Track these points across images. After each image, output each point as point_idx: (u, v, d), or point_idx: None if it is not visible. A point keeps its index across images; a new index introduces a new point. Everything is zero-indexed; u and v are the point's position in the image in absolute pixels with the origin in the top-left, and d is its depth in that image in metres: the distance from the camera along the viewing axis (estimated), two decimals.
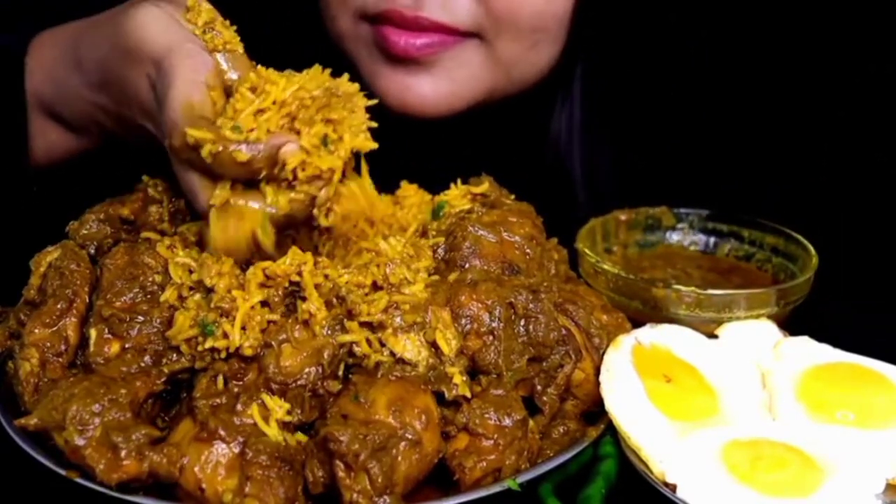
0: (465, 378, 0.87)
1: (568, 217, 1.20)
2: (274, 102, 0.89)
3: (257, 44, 0.97)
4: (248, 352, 0.85)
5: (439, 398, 0.86)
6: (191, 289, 0.91)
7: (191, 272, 0.91)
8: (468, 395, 0.86)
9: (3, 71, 1.07)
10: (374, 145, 0.92)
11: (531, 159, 1.36)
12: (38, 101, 1.07)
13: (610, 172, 1.37)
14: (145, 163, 1.09)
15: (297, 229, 0.93)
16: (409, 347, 0.87)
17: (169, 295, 0.90)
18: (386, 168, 1.00)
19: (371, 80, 1.20)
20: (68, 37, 1.06)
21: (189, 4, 0.96)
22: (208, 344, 0.86)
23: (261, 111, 0.88)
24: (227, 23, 0.96)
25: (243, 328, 0.86)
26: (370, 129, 0.93)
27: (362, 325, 0.87)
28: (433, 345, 0.88)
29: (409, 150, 1.25)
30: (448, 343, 0.88)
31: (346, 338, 0.87)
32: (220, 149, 0.84)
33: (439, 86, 1.19)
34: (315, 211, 0.90)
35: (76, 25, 1.06)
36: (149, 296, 0.91)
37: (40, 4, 1.19)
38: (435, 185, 1.13)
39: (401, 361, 0.86)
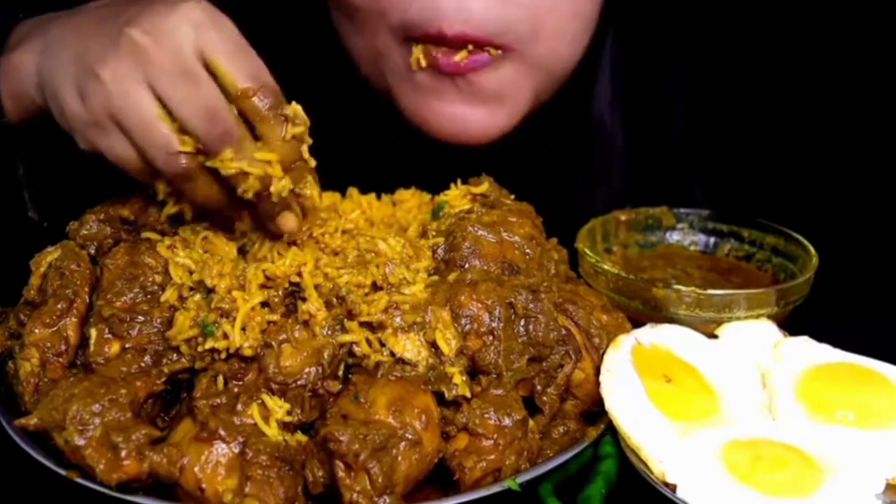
0: (464, 378, 0.87)
1: (569, 217, 1.20)
2: None
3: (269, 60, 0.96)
4: (248, 352, 0.86)
5: (439, 398, 0.86)
6: (191, 289, 0.91)
7: (191, 272, 0.92)
8: (468, 394, 0.86)
9: None
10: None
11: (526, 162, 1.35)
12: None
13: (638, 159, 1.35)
14: None
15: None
16: (409, 347, 0.87)
17: (169, 295, 0.91)
18: (386, 167, 1.01)
19: (413, 111, 1.17)
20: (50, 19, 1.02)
21: None
22: (208, 344, 0.86)
23: None
24: None
25: (243, 329, 0.87)
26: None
27: (362, 325, 0.88)
28: (433, 345, 0.88)
29: (414, 149, 1.25)
30: (448, 343, 0.88)
31: (346, 338, 0.87)
32: None
33: (496, 113, 1.15)
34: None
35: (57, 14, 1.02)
36: (149, 296, 0.92)
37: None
38: (436, 184, 1.13)
39: (401, 361, 0.86)
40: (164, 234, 0.99)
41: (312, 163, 0.93)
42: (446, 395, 0.86)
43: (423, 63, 1.12)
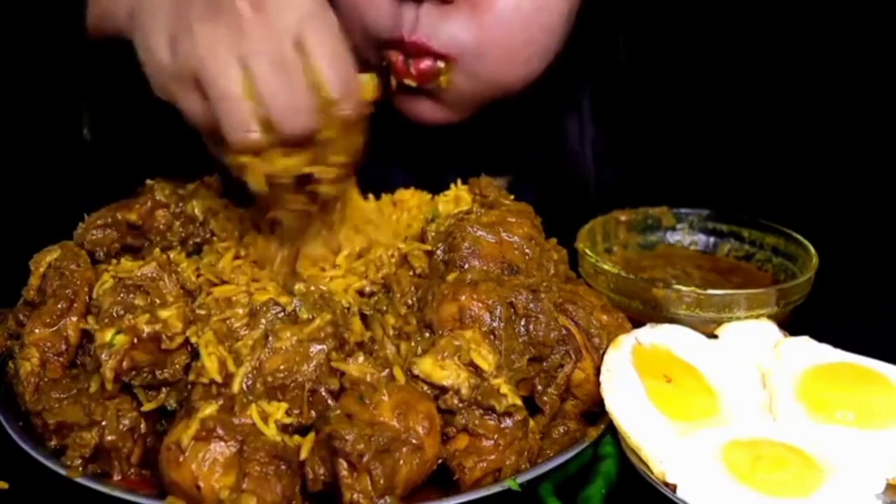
0: (511, 387, 0.86)
1: (569, 217, 1.20)
2: None
3: None
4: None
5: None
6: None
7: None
8: (519, 403, 0.86)
9: None
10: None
11: (542, 162, 1.38)
12: None
13: (619, 181, 1.38)
14: (148, 165, 1.09)
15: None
16: (447, 374, 0.86)
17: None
18: (386, 167, 1.01)
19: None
20: None
21: None
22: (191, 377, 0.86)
23: None
24: None
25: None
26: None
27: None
28: (471, 365, 0.87)
29: (417, 149, 1.26)
30: (486, 359, 0.87)
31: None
32: None
33: (435, 109, 1.24)
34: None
35: None
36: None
37: None
38: (436, 184, 1.13)
39: (441, 389, 0.86)
40: (168, 248, 1.00)
41: None
42: (497, 408, 0.85)
43: (394, 83, 1.21)
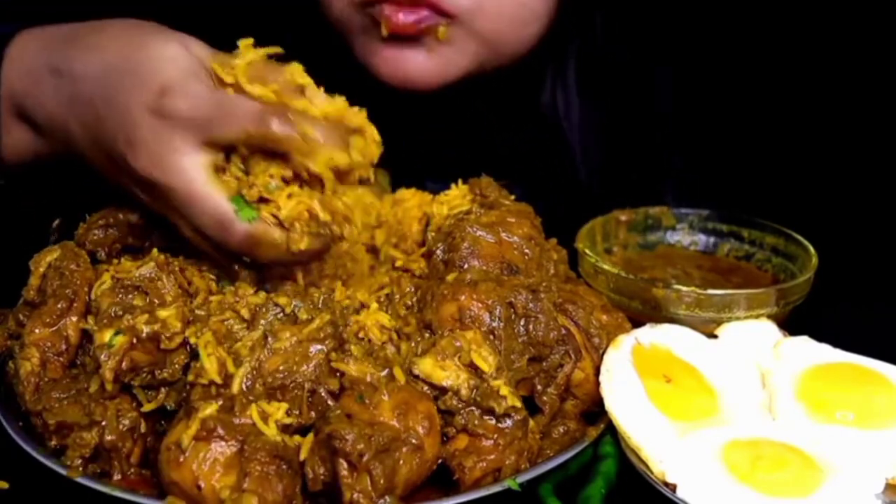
0: (511, 389, 0.86)
1: (568, 216, 1.20)
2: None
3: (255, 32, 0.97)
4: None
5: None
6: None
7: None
8: (518, 405, 0.86)
9: None
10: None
11: (530, 139, 1.38)
12: (9, 94, 1.03)
13: (605, 155, 1.38)
14: None
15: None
16: (447, 375, 0.86)
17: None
18: (386, 167, 1.01)
19: (366, 59, 1.25)
20: (58, 40, 1.02)
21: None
22: (190, 377, 0.86)
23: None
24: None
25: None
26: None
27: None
28: (471, 366, 0.87)
29: (410, 143, 1.25)
30: (486, 360, 0.87)
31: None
32: None
33: (430, 59, 1.22)
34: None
35: (66, 29, 1.03)
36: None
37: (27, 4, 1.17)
38: (435, 183, 1.13)
39: (441, 390, 0.86)
40: (171, 250, 1.00)
41: None
42: (497, 410, 0.85)
43: (385, 31, 1.20)
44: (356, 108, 0.94)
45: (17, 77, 1.02)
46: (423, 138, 1.21)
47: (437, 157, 1.26)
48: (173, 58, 0.91)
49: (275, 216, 0.90)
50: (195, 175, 0.89)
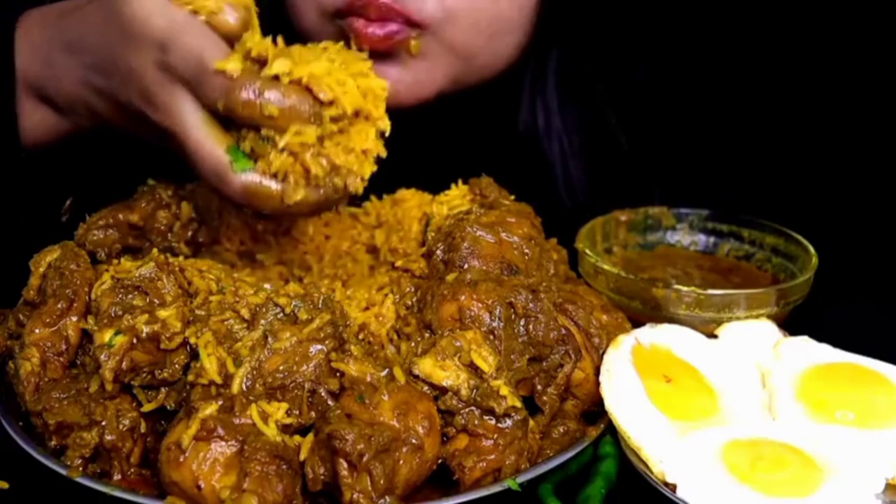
0: (511, 389, 0.86)
1: (567, 217, 1.20)
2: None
3: None
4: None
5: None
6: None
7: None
8: (518, 405, 0.86)
9: None
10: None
11: (510, 153, 1.37)
12: (24, 79, 1.06)
13: (586, 169, 1.37)
14: (148, 163, 1.09)
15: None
16: (447, 375, 0.86)
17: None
18: (387, 167, 1.01)
19: None
20: (56, 16, 1.05)
21: None
22: (190, 377, 0.86)
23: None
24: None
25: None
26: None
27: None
28: (471, 366, 0.87)
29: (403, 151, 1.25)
30: (486, 360, 0.87)
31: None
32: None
33: (404, 74, 1.20)
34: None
35: (62, 6, 1.05)
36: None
37: None
38: (436, 184, 1.13)
39: (440, 390, 0.86)
40: (171, 250, 1.00)
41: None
42: (497, 409, 0.85)
43: (355, 46, 1.17)
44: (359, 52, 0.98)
45: (29, 60, 1.05)
46: (398, 156, 1.19)
47: (413, 173, 1.24)
48: (157, 11, 0.93)
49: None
50: (195, 124, 0.92)
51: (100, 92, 1.00)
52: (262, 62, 0.91)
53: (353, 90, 0.93)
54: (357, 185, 0.95)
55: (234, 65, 0.89)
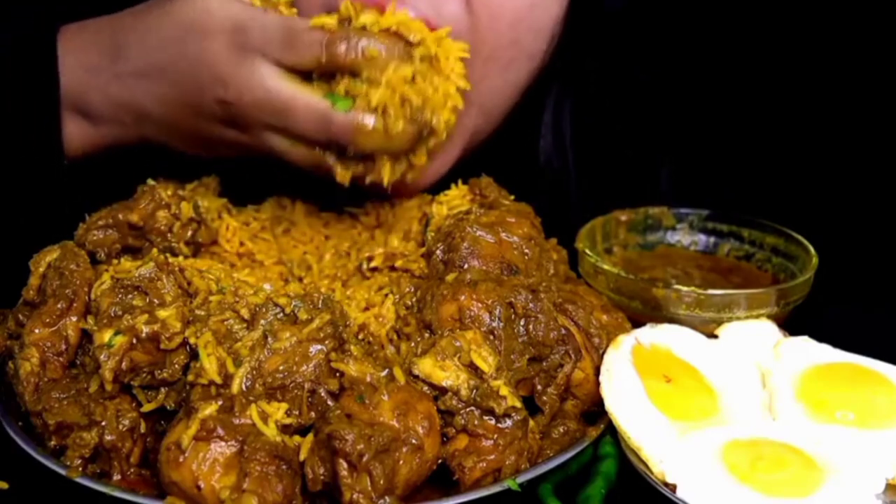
0: (511, 389, 0.86)
1: (567, 217, 1.20)
2: None
3: None
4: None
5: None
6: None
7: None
8: (518, 405, 0.86)
9: (35, 61, 1.08)
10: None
11: (524, 163, 1.34)
12: (64, 92, 1.08)
13: (586, 169, 1.35)
14: (148, 163, 1.09)
15: None
16: (447, 375, 0.86)
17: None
18: None
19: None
20: (104, 27, 1.08)
21: None
22: (190, 377, 0.86)
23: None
24: None
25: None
26: None
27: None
28: (471, 366, 0.87)
29: None
30: (486, 360, 0.87)
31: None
32: None
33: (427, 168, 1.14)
34: None
35: (111, 17, 1.09)
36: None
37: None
38: (436, 184, 1.13)
39: (440, 390, 0.86)
40: (171, 251, 1.00)
41: None
42: (496, 410, 0.85)
43: None
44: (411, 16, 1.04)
45: (71, 73, 1.07)
46: None
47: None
48: (224, 5, 1.01)
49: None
50: (284, 85, 0.99)
51: (156, 95, 1.04)
52: (347, 20, 1.01)
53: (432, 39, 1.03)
54: (441, 125, 1.03)
55: (329, 20, 0.99)
